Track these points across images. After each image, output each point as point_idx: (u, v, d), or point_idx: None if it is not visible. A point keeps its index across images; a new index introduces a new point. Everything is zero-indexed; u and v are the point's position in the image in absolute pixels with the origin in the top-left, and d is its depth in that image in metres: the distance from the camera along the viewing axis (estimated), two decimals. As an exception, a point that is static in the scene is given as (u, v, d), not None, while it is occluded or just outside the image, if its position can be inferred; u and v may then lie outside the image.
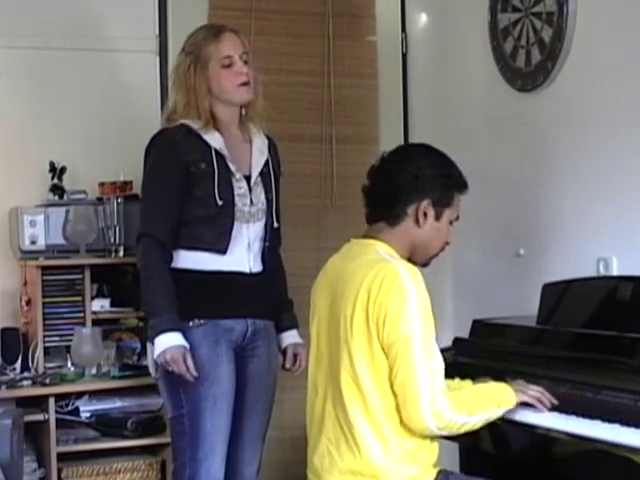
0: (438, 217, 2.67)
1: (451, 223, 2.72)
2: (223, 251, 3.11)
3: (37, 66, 4.19)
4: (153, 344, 3.03)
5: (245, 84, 3.16)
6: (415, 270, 2.55)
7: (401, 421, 2.52)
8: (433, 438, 2.60)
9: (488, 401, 2.55)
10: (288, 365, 3.29)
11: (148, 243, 3.09)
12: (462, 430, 2.52)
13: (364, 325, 2.52)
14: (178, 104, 3.15)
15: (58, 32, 4.19)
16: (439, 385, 2.49)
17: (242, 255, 3.16)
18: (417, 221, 2.65)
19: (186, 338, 3.03)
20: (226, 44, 3.15)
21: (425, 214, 2.65)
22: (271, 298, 3.27)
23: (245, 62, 3.17)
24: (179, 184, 3.09)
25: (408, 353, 2.47)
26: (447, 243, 2.74)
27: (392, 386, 2.51)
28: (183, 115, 3.14)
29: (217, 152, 3.12)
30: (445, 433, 2.53)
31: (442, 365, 2.53)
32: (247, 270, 3.17)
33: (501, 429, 2.60)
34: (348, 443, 2.55)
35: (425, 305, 2.52)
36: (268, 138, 3.30)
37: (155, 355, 3.02)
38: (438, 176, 2.66)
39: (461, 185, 2.71)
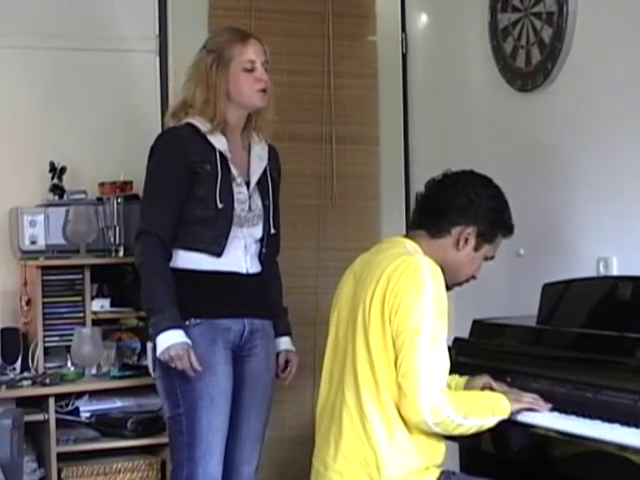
0: (477, 248, 2.72)
1: (485, 259, 2.77)
2: (218, 254, 3.12)
3: (37, 66, 4.18)
4: (155, 341, 3.03)
5: (263, 91, 3.17)
6: (437, 267, 2.58)
7: None
8: (440, 439, 2.61)
9: (484, 408, 2.56)
10: (279, 372, 3.32)
11: (149, 240, 3.10)
12: (456, 432, 2.53)
13: (380, 313, 2.55)
14: (197, 100, 3.15)
15: (58, 32, 4.18)
16: (440, 382, 2.50)
17: (239, 256, 3.17)
18: (457, 244, 2.70)
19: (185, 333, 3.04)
20: (251, 49, 3.16)
21: (466, 240, 2.70)
22: (269, 299, 3.28)
23: (265, 70, 3.18)
24: (183, 184, 3.10)
25: (414, 345, 2.49)
26: (474, 277, 2.79)
27: (397, 376, 2.53)
28: (199, 111, 3.14)
29: (221, 154, 3.13)
30: (440, 430, 2.53)
31: (447, 364, 2.54)
32: (244, 271, 3.18)
33: (501, 429, 2.60)
34: (356, 430, 2.57)
35: (441, 302, 2.55)
36: (269, 145, 3.32)
37: (158, 352, 3.02)
38: (492, 210, 2.72)
39: (508, 228, 2.78)
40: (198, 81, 3.17)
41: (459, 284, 2.77)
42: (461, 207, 2.69)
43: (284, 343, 3.33)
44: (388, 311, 2.54)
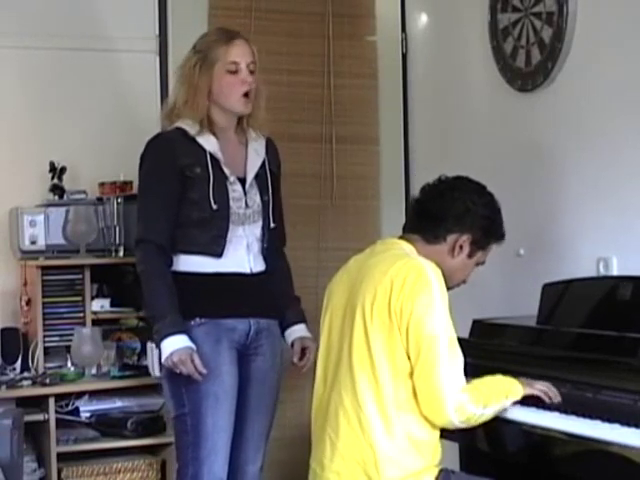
0: (471, 255, 2.76)
1: (477, 265, 2.81)
2: (219, 254, 3.12)
3: (37, 66, 4.19)
4: (159, 348, 3.03)
5: (246, 95, 3.15)
6: (438, 270, 2.61)
7: (410, 412, 2.56)
8: (437, 438, 2.62)
9: (499, 393, 2.60)
10: (296, 359, 3.30)
11: (148, 248, 3.10)
12: (479, 422, 2.56)
13: (385, 315, 2.55)
14: (178, 100, 3.16)
15: (58, 32, 4.18)
16: (461, 382, 2.54)
17: (242, 256, 3.16)
18: (452, 251, 2.73)
19: (188, 337, 3.04)
20: (236, 50, 3.15)
21: (461, 247, 2.73)
22: (275, 297, 3.27)
23: (251, 72, 3.16)
24: (175, 188, 3.10)
25: (435, 350, 2.52)
26: (464, 281, 2.82)
27: (414, 379, 2.54)
28: (182, 112, 3.14)
29: (212, 156, 3.12)
30: (464, 426, 2.56)
31: (462, 360, 2.57)
32: (247, 271, 3.17)
33: (501, 429, 2.61)
34: (354, 430, 2.58)
35: (446, 301, 2.58)
36: (267, 138, 3.30)
37: (162, 359, 3.02)
38: (486, 218, 2.75)
39: (500, 236, 2.81)
40: (182, 82, 3.17)
41: (450, 288, 2.77)
42: (457, 215, 2.71)
43: (299, 330, 3.31)
44: (397, 315, 2.54)
